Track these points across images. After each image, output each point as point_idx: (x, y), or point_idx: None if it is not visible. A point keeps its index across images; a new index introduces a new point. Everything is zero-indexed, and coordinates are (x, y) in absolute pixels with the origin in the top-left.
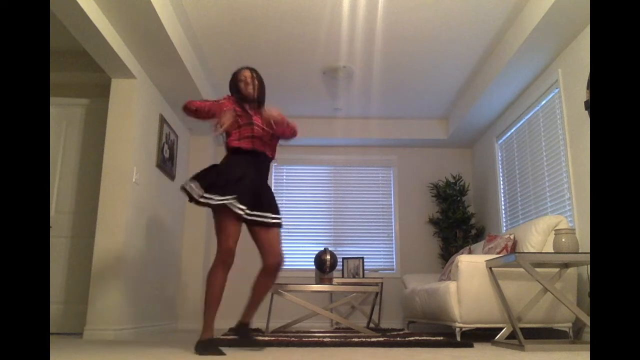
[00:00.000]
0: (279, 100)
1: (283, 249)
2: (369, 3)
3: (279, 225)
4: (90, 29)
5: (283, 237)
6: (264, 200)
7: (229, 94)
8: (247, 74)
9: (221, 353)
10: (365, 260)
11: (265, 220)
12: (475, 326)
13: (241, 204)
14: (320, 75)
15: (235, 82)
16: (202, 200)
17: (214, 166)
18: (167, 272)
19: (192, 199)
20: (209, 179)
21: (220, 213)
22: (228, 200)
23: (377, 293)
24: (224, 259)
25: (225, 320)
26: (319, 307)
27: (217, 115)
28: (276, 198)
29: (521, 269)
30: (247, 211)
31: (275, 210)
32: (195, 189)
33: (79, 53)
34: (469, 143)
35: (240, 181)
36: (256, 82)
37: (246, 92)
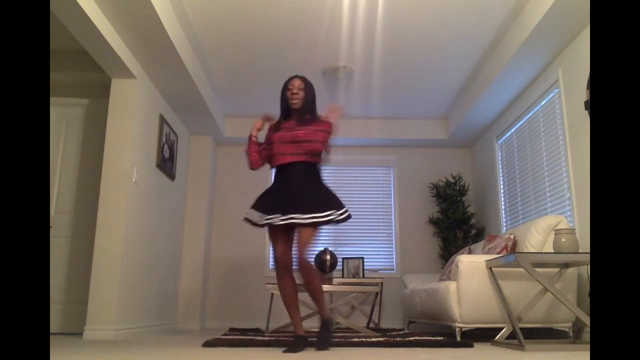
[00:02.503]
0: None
1: (308, 247)
2: (369, 3)
3: (310, 224)
4: (90, 29)
5: None
6: (298, 202)
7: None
8: (296, 82)
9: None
10: (365, 260)
11: (293, 221)
12: (475, 326)
13: (262, 212)
14: (320, 75)
15: (283, 90)
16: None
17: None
18: (167, 272)
19: (253, 224)
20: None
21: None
22: (256, 216)
23: (377, 293)
24: (277, 267)
25: (225, 320)
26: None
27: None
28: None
29: (521, 269)
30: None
31: (308, 211)
32: (251, 213)
33: (79, 53)
34: (469, 143)
35: (265, 196)
36: (302, 93)
37: (290, 102)
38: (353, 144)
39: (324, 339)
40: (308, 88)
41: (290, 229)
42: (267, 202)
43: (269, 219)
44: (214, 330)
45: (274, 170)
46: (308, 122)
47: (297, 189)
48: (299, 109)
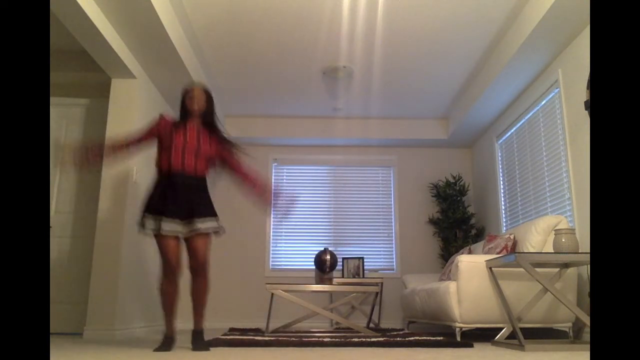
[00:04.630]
0: (280, 100)
1: (204, 253)
2: (369, 3)
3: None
4: (90, 29)
5: (283, 237)
6: (198, 210)
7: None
8: (196, 92)
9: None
10: (365, 260)
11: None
12: (475, 326)
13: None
14: (320, 75)
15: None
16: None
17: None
18: None
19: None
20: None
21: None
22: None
23: (377, 293)
24: (167, 271)
25: (225, 320)
26: (319, 307)
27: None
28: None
29: (521, 269)
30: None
31: (207, 219)
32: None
33: (79, 53)
34: (469, 143)
35: (157, 200)
36: (201, 102)
37: (190, 108)
38: (353, 144)
39: (202, 345)
40: (208, 99)
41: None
42: (162, 208)
43: (168, 228)
44: (214, 330)
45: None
46: (206, 132)
47: (195, 197)
48: (196, 117)
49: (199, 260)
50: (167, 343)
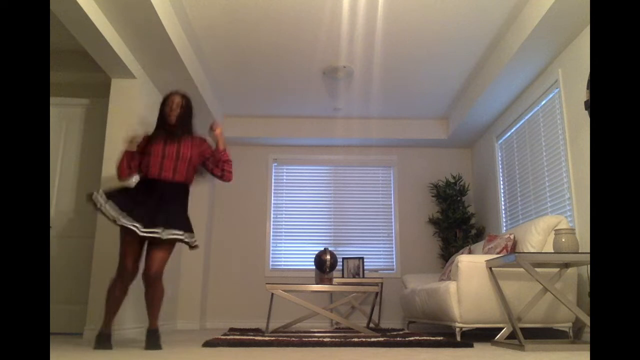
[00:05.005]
0: (280, 100)
1: (165, 263)
2: (369, 3)
3: (171, 241)
4: (90, 29)
5: (283, 237)
6: (165, 217)
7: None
8: (176, 99)
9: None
10: (365, 260)
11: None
12: (475, 326)
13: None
14: (320, 76)
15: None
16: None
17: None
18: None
19: (104, 214)
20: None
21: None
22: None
23: (377, 293)
24: (121, 274)
25: (225, 320)
26: (319, 307)
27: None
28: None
29: (521, 269)
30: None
31: (172, 227)
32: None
33: (79, 53)
34: (469, 143)
35: (128, 196)
36: (179, 110)
37: (168, 118)
38: (353, 144)
39: (156, 344)
40: (187, 106)
41: (144, 241)
42: (130, 205)
43: (134, 225)
44: (214, 330)
45: (138, 178)
46: (185, 139)
47: (166, 204)
48: (174, 125)
49: (151, 271)
50: (101, 339)
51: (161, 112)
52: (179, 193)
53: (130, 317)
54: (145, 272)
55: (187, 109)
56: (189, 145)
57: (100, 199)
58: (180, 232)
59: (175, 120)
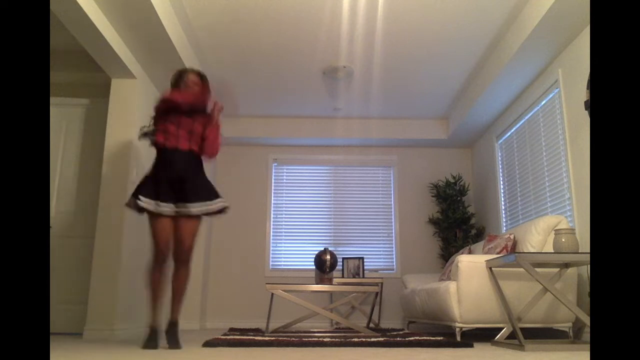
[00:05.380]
0: (280, 100)
1: (190, 239)
2: (369, 3)
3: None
4: (90, 29)
5: (283, 237)
6: (190, 191)
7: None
8: (192, 76)
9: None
10: (365, 260)
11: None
12: (475, 326)
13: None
14: (320, 75)
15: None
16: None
17: None
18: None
19: (140, 210)
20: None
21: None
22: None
23: (377, 293)
24: (157, 258)
25: (225, 320)
26: (319, 307)
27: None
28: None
29: (521, 269)
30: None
31: (198, 200)
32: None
33: (79, 53)
34: (469, 143)
35: (152, 181)
36: (197, 88)
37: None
38: (353, 144)
39: (176, 340)
40: (205, 82)
41: (175, 218)
42: (155, 189)
43: (163, 206)
44: (214, 330)
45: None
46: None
47: (186, 177)
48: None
49: (185, 245)
50: (152, 337)
51: (174, 87)
52: (197, 162)
53: (138, 316)
54: (179, 248)
55: (204, 86)
56: (202, 120)
57: (134, 203)
58: (209, 202)
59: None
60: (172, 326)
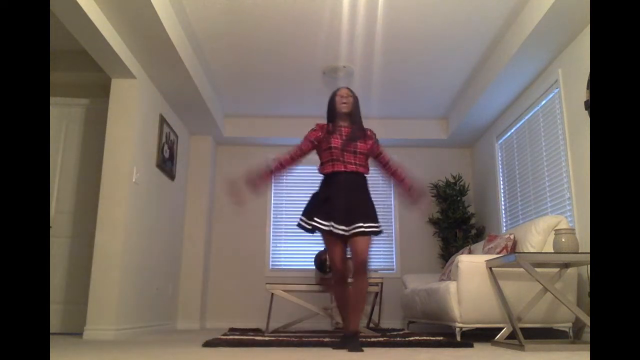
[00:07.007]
0: (280, 100)
1: (365, 253)
2: (369, 3)
3: (365, 233)
4: (90, 29)
5: (283, 237)
6: (353, 214)
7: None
8: (344, 91)
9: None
10: None
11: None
12: (475, 326)
13: (326, 221)
14: (320, 75)
15: (332, 97)
16: (308, 226)
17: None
18: (167, 272)
19: (306, 229)
20: (308, 207)
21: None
22: (318, 222)
23: (377, 293)
24: (336, 275)
25: (225, 320)
26: (319, 307)
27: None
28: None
29: (521, 269)
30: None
31: (368, 220)
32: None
33: (79, 53)
34: (469, 143)
35: (327, 202)
36: (351, 99)
37: (339, 108)
38: None
39: (357, 345)
40: (355, 100)
41: (346, 238)
42: (327, 210)
43: (340, 228)
44: (214, 330)
45: (324, 175)
46: (359, 131)
47: (356, 198)
48: (348, 113)
49: (361, 257)
50: (348, 340)
51: (331, 106)
52: (364, 183)
53: (138, 316)
54: (355, 261)
55: (355, 102)
56: (363, 138)
57: (307, 223)
58: (376, 225)
59: (347, 112)
60: (355, 335)
